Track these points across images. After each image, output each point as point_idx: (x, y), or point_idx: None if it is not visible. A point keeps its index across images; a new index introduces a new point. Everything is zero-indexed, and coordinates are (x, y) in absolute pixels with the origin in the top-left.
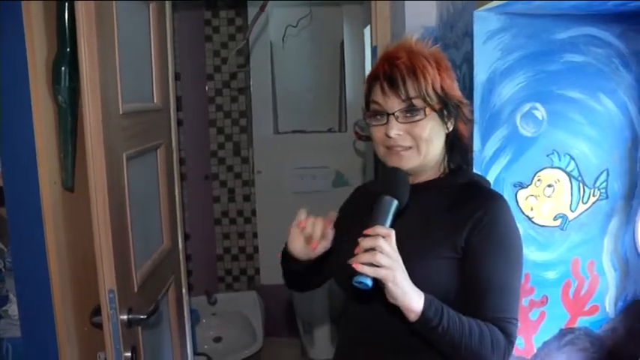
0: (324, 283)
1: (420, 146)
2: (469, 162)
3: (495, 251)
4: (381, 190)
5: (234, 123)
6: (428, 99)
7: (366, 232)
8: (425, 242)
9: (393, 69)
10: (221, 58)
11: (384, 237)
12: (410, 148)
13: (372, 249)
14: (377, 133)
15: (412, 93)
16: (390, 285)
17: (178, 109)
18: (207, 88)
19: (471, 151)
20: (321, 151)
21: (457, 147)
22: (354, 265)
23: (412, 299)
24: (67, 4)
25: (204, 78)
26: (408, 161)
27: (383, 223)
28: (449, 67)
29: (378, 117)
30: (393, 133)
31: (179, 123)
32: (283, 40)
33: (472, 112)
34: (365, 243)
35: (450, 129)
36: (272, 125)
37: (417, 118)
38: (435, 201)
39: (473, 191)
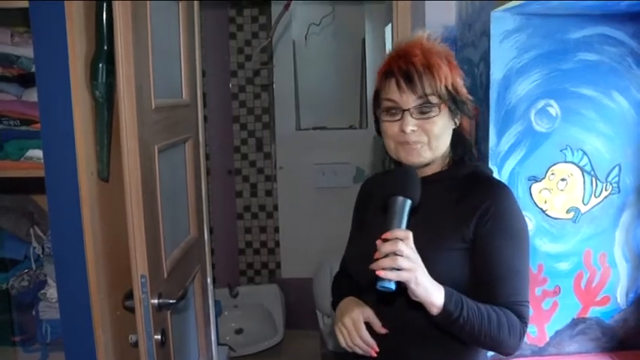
0: None
1: (432, 142)
2: (472, 156)
3: (504, 239)
4: (393, 191)
5: (257, 119)
6: (442, 96)
7: (384, 236)
8: (435, 235)
9: (409, 65)
10: (245, 55)
11: (402, 240)
12: (422, 143)
13: (393, 253)
14: (390, 129)
15: (428, 90)
16: (412, 286)
17: (203, 105)
18: (230, 84)
19: (474, 145)
20: (342, 147)
21: (460, 141)
22: (377, 273)
23: (434, 295)
24: (105, 4)
25: (228, 75)
26: (420, 156)
27: (399, 225)
28: (457, 65)
29: (392, 112)
30: (409, 128)
31: (204, 119)
32: (306, 38)
33: (475, 108)
34: (384, 248)
35: (457, 124)
36: (294, 122)
37: (432, 114)
38: (441, 193)
39: (477, 181)
